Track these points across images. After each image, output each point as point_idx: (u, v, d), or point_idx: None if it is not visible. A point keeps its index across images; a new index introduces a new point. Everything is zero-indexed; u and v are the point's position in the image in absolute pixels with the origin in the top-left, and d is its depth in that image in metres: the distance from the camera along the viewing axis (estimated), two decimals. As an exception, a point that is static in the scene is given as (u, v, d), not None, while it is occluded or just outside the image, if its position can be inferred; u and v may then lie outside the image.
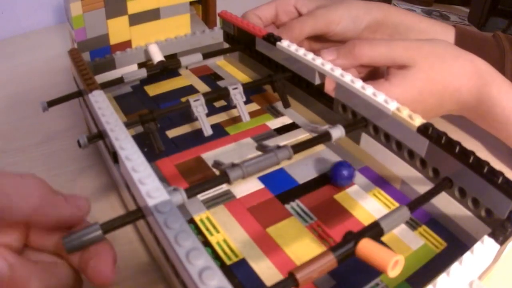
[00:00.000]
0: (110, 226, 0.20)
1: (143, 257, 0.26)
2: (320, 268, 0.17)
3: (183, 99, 0.37)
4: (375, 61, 0.33)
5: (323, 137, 0.26)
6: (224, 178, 0.22)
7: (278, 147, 0.24)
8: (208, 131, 0.31)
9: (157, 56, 0.37)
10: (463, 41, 0.38)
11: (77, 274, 0.20)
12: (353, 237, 0.19)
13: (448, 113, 0.34)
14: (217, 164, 0.23)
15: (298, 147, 0.25)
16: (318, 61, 0.31)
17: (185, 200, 0.21)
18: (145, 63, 0.40)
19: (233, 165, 0.22)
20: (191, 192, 0.21)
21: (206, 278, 0.16)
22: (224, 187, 0.28)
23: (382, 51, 0.32)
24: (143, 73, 0.35)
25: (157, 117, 0.29)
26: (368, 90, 0.28)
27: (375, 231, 0.20)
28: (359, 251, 0.18)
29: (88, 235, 0.19)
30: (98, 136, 0.27)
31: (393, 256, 0.18)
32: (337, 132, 0.26)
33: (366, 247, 0.18)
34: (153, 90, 0.39)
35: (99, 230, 0.19)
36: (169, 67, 0.36)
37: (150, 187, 0.20)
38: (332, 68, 0.30)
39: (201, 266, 0.16)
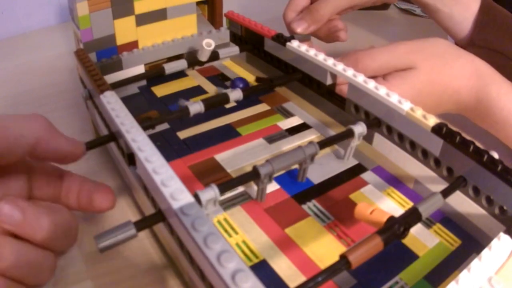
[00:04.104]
0: (143, 224, 0.20)
1: (153, 254, 0.26)
2: (369, 250, 0.18)
3: (192, 100, 0.37)
4: (378, 72, 0.33)
5: (347, 134, 0.26)
6: (255, 174, 0.22)
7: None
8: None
9: (203, 58, 0.38)
10: (487, 10, 0.38)
11: (74, 216, 0.23)
12: (395, 222, 0.20)
13: (445, 112, 0.35)
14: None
15: (324, 143, 0.25)
16: (329, 61, 0.31)
17: (217, 197, 0.21)
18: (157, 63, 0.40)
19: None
20: (223, 187, 0.21)
21: (240, 281, 0.16)
22: (239, 188, 0.28)
23: (384, 60, 0.32)
24: (184, 64, 0.37)
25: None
26: (382, 91, 0.28)
27: (414, 215, 0.21)
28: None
29: (122, 234, 0.19)
30: (100, 141, 0.27)
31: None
32: (359, 129, 0.27)
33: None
34: (160, 91, 0.39)
35: (132, 228, 0.19)
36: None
37: (174, 189, 0.20)
38: (344, 69, 0.30)
39: (234, 268, 0.16)
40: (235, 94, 0.31)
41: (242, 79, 0.39)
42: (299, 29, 0.39)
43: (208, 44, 0.36)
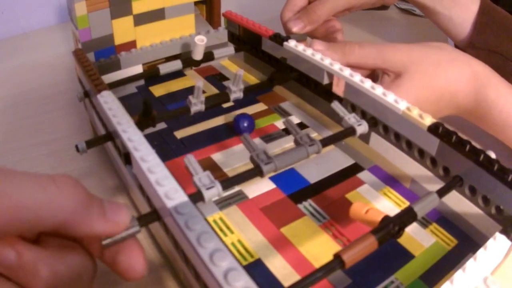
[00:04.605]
0: (146, 220, 0.20)
1: (150, 254, 0.26)
2: (363, 249, 0.18)
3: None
4: (363, 61, 0.33)
5: (349, 132, 0.26)
6: (257, 171, 0.22)
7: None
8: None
9: (198, 55, 0.38)
10: (486, 12, 0.38)
11: (92, 259, 0.19)
12: (390, 221, 0.20)
13: (446, 115, 0.34)
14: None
15: (326, 141, 0.25)
16: (326, 61, 0.31)
17: (220, 193, 0.21)
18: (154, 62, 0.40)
19: (266, 159, 0.23)
20: (226, 184, 0.21)
21: (232, 279, 0.16)
22: (236, 187, 0.28)
23: (372, 51, 0.33)
24: (179, 64, 0.36)
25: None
26: (378, 90, 0.28)
27: (409, 215, 0.21)
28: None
29: (126, 230, 0.18)
30: (100, 140, 0.27)
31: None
32: (362, 128, 0.27)
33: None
34: (158, 90, 0.39)
35: (136, 225, 0.19)
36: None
37: (168, 188, 0.20)
38: (341, 68, 0.30)
39: (226, 267, 0.16)
40: (235, 94, 0.31)
41: (246, 117, 0.34)
42: (295, 28, 0.39)
43: (200, 39, 0.36)
